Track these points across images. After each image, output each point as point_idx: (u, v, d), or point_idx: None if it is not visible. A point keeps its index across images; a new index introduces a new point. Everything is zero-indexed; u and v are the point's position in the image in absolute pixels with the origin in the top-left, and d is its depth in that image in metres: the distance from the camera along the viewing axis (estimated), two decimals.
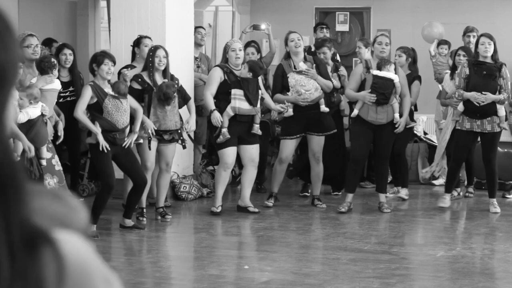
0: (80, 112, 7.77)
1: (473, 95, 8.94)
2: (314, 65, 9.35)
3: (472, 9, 13.14)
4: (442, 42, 11.08)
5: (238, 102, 8.79)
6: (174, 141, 8.61)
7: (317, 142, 9.32)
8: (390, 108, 8.95)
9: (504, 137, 12.69)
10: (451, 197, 9.55)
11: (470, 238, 8.17)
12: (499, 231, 8.36)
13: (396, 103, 9.00)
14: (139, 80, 8.43)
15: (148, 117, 8.37)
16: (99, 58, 7.84)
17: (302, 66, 9.25)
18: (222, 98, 8.82)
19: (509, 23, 13.12)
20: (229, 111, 8.78)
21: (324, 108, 9.25)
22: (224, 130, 8.75)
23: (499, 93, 8.97)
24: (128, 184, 8.90)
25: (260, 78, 9.09)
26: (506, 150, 10.44)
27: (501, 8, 13.19)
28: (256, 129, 8.94)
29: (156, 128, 8.39)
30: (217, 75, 8.88)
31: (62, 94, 8.89)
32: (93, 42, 13.38)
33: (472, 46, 9.57)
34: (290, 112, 9.18)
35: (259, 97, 8.93)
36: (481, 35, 9.18)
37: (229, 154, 8.85)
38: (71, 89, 9.37)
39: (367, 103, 8.87)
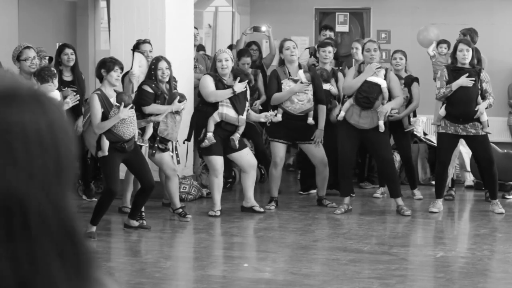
0: (98, 125, 7.66)
1: (462, 81, 8.88)
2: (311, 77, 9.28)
3: (472, 10, 13.15)
4: (441, 42, 11.06)
5: (226, 109, 8.81)
6: (167, 150, 8.59)
7: (317, 149, 9.31)
8: (375, 114, 8.90)
9: (504, 137, 12.73)
10: (448, 198, 9.66)
11: (470, 239, 8.17)
12: (499, 232, 8.36)
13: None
14: (153, 85, 8.43)
15: (158, 124, 8.38)
16: (109, 64, 7.73)
17: (302, 76, 9.20)
18: (209, 104, 8.84)
19: (509, 23, 13.13)
20: (215, 117, 8.79)
21: (311, 120, 9.22)
22: (210, 134, 8.75)
23: (482, 97, 8.93)
24: (128, 187, 8.90)
25: (247, 89, 9.06)
26: (505, 150, 10.42)
27: (501, 8, 13.20)
28: (236, 137, 8.89)
29: (162, 136, 8.41)
30: (210, 80, 8.88)
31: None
32: (93, 43, 13.40)
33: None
34: (278, 117, 9.20)
35: (246, 108, 8.95)
36: (460, 41, 9.13)
37: (216, 161, 8.85)
38: (74, 88, 9.37)
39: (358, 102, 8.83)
